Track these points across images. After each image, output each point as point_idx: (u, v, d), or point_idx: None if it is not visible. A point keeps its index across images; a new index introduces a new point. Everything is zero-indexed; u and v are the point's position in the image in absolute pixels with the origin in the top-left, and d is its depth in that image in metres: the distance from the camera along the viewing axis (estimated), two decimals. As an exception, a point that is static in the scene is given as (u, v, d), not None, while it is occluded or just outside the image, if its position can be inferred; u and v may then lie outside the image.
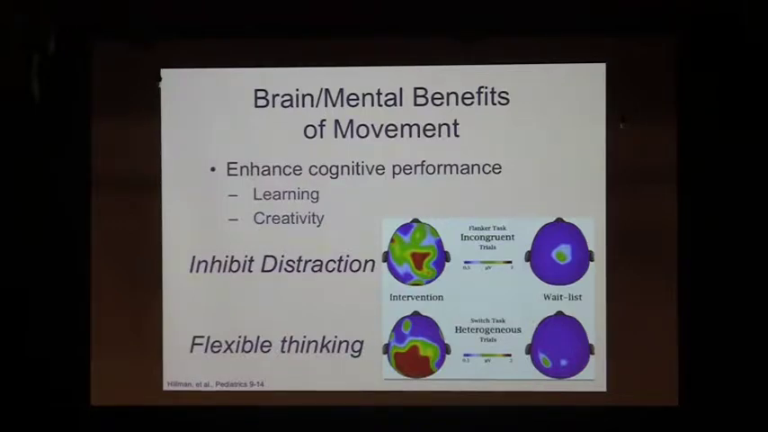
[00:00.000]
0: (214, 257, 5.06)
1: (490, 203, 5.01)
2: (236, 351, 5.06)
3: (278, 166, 5.05)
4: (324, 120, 5.05)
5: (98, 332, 5.06)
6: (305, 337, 5.05)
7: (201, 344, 5.06)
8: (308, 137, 5.05)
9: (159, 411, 5.06)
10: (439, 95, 5.02)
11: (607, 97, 4.96)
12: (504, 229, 5.01)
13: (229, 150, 5.06)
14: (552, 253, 5.00)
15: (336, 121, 5.05)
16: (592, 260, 4.99)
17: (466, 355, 5.02)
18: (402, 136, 5.03)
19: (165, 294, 5.06)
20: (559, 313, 4.99)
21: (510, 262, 5.01)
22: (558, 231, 4.99)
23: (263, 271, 5.05)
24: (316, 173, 5.04)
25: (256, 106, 5.06)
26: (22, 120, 4.95)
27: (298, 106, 5.06)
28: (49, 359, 5.03)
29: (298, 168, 5.04)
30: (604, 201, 4.97)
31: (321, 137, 5.05)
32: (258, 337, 5.06)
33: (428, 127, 5.03)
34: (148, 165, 5.05)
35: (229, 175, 5.06)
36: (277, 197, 5.05)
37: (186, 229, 5.05)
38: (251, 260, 5.05)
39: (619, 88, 4.95)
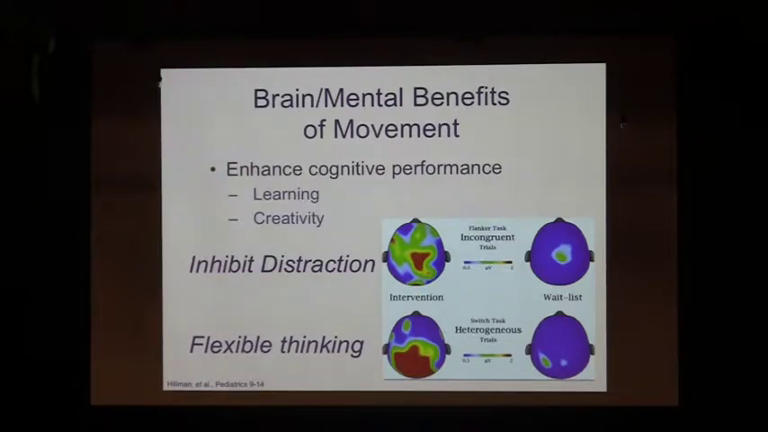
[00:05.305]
0: (214, 257, 5.06)
1: (490, 203, 5.00)
2: (236, 351, 5.06)
3: (278, 166, 5.04)
4: (324, 120, 5.05)
5: (98, 332, 5.06)
6: (305, 337, 5.05)
7: (201, 344, 5.06)
8: (308, 137, 5.05)
9: (159, 411, 5.06)
10: (439, 95, 5.02)
11: (607, 97, 4.96)
12: (504, 229, 5.00)
13: (229, 150, 5.06)
14: (552, 253, 5.00)
15: (336, 121, 5.05)
16: (592, 260, 4.99)
17: (466, 355, 5.02)
18: (402, 136, 5.03)
19: (165, 294, 5.05)
20: (559, 313, 4.99)
21: (510, 262, 5.01)
22: (558, 231, 4.99)
23: (263, 271, 5.05)
24: (316, 173, 5.04)
25: (256, 106, 5.06)
26: (22, 120, 4.95)
27: (298, 106, 5.06)
28: (49, 359, 5.03)
29: (298, 168, 5.04)
30: (604, 201, 4.97)
31: (321, 137, 5.05)
32: (258, 337, 5.06)
33: (428, 127, 5.02)
34: (148, 165, 5.05)
35: (229, 175, 5.06)
36: (277, 197, 5.05)
37: (186, 229, 5.05)
38: (251, 260, 5.05)
39: (619, 88, 4.94)
